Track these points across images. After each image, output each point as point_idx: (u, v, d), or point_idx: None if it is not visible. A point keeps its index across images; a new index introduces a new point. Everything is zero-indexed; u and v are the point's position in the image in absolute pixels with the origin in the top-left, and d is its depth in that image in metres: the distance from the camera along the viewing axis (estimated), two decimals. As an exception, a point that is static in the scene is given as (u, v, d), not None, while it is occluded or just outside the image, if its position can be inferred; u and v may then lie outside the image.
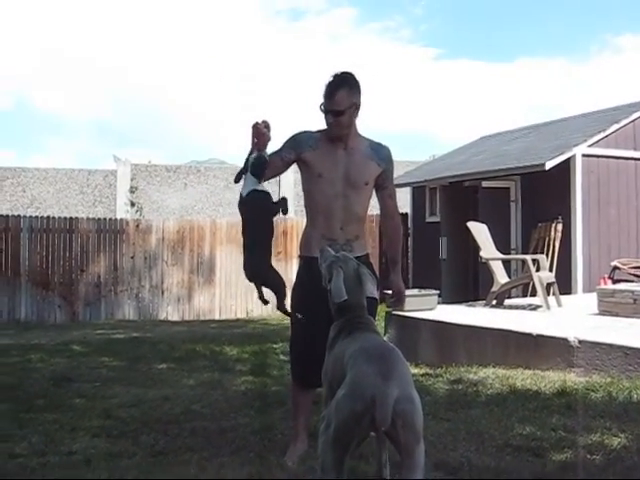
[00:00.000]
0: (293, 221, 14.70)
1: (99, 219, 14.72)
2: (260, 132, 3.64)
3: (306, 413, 3.94)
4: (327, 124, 3.69)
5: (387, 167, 3.83)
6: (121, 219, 15.14)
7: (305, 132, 3.81)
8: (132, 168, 18.96)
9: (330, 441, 2.60)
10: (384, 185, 3.86)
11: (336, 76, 3.66)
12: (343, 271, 3.14)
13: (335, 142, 3.73)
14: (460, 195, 13.42)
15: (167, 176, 19.06)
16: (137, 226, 14.53)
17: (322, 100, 3.66)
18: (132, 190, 18.79)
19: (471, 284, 13.06)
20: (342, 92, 3.61)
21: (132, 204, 18.66)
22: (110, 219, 14.92)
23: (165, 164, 19.48)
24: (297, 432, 3.91)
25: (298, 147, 3.74)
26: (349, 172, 3.71)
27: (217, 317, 14.41)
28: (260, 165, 3.68)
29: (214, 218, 16.08)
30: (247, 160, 3.73)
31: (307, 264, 3.83)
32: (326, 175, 3.70)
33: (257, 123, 3.65)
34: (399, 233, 3.97)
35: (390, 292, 3.95)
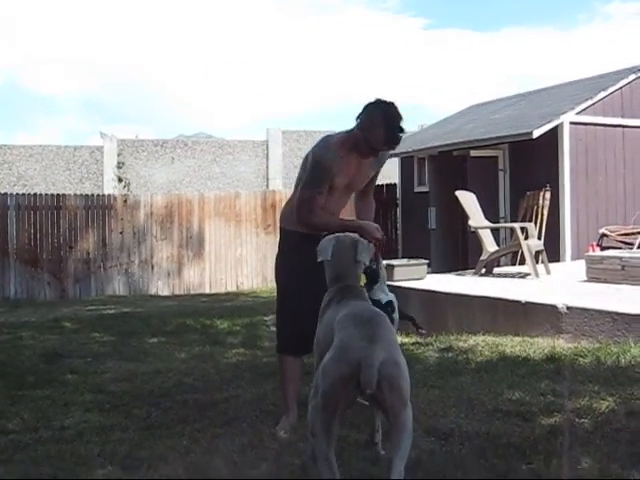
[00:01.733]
0: (282, 194, 14.65)
1: (86, 195, 14.64)
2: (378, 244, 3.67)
3: (295, 383, 3.98)
4: (367, 152, 3.69)
5: (380, 168, 3.99)
6: (109, 195, 15.05)
7: (329, 152, 3.72)
8: (119, 143, 18.82)
9: (319, 406, 2.63)
10: (374, 176, 4.03)
11: (396, 119, 3.60)
12: (337, 239, 3.19)
13: (352, 151, 3.73)
14: (449, 165, 13.40)
15: (154, 151, 18.94)
16: (125, 201, 14.45)
17: (371, 130, 3.59)
18: (119, 166, 18.66)
19: (460, 253, 13.09)
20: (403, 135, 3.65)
21: (119, 180, 18.55)
22: (98, 195, 14.84)
23: (152, 139, 19.36)
24: (287, 403, 3.95)
25: (331, 178, 3.72)
26: (353, 184, 3.86)
27: (207, 291, 14.41)
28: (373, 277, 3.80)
29: (202, 192, 16.03)
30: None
31: (289, 237, 3.94)
32: (335, 188, 3.78)
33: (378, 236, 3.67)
34: (372, 209, 4.13)
35: None
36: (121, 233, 14.28)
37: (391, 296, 3.94)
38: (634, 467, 2.98)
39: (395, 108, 3.63)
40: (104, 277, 14.15)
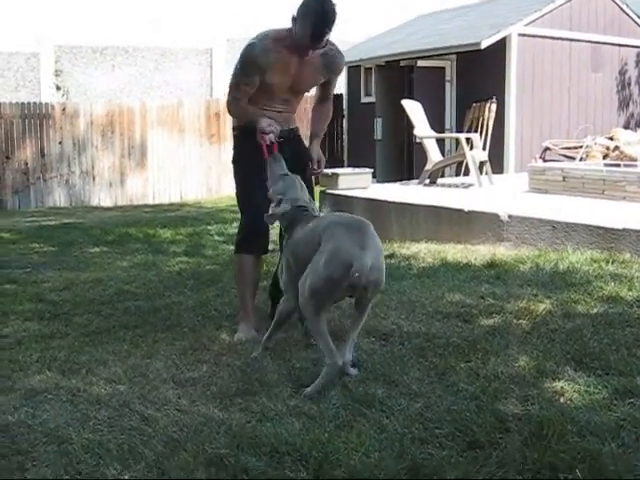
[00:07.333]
0: (225, 103, 14.30)
1: (23, 103, 14.04)
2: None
3: (253, 286, 3.92)
4: (299, 51, 3.57)
5: (335, 76, 3.90)
6: (46, 103, 14.46)
7: (258, 47, 3.61)
8: (56, 50, 18.02)
9: (307, 296, 2.88)
10: (329, 82, 3.92)
11: (324, 14, 3.42)
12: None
13: (291, 51, 3.60)
14: (396, 75, 13.25)
15: (93, 57, 18.22)
16: (63, 110, 13.93)
17: (300, 22, 3.46)
18: (57, 73, 17.92)
19: (406, 164, 13.11)
20: (328, 33, 3.48)
21: (57, 88, 17.85)
22: (35, 103, 14.23)
23: (91, 45, 18.57)
24: (245, 308, 3.88)
25: (259, 70, 3.63)
26: (296, 84, 3.76)
27: (150, 202, 14.18)
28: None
29: (144, 101, 15.56)
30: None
31: (245, 132, 3.84)
32: (276, 87, 3.71)
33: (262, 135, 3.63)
34: (329, 115, 4.09)
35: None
36: (60, 143, 13.82)
37: None
38: (568, 364, 3.06)
39: (328, 3, 3.43)
40: (44, 188, 13.77)
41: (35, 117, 13.71)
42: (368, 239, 2.89)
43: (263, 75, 3.64)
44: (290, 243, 3.28)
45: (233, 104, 3.83)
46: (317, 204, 7.82)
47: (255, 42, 3.63)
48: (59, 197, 13.87)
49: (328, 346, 2.88)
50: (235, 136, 4.00)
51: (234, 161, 3.98)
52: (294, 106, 3.95)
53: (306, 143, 3.99)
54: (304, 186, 3.47)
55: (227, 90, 3.86)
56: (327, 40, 3.54)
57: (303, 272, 2.96)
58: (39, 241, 8.02)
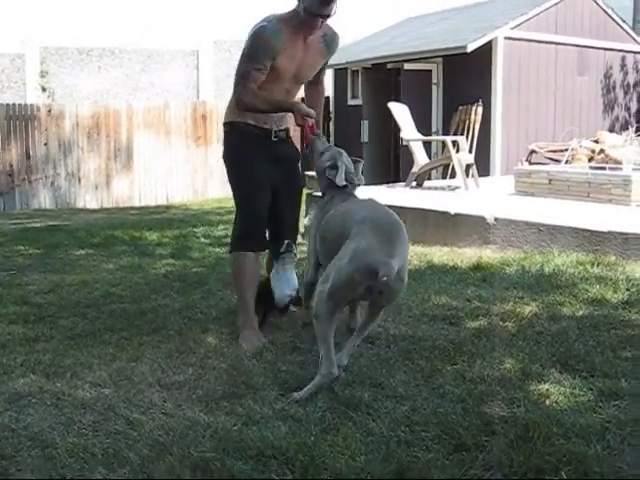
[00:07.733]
0: (213, 105, 14.30)
1: (7, 105, 13.96)
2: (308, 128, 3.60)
3: (254, 285, 3.78)
4: (309, 24, 3.53)
5: (332, 55, 3.90)
6: (31, 104, 14.39)
7: (269, 28, 3.56)
8: (41, 51, 17.93)
9: (324, 296, 2.83)
10: (323, 64, 3.93)
11: None
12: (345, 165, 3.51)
13: (297, 33, 3.59)
14: (382, 78, 13.27)
15: (79, 59, 18.15)
16: (49, 111, 13.86)
17: None
18: (43, 75, 17.84)
19: (392, 167, 13.13)
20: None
21: (43, 89, 17.77)
22: (20, 105, 14.16)
23: (77, 47, 18.49)
24: (248, 311, 3.73)
25: (273, 52, 3.56)
26: (300, 71, 3.72)
27: (137, 204, 14.12)
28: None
29: (130, 102, 15.50)
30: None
31: (237, 129, 3.79)
32: (281, 74, 3.65)
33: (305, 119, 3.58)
34: (323, 95, 4.13)
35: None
36: (46, 145, 13.75)
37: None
38: (553, 366, 3.08)
39: None
40: (29, 190, 13.69)
41: (20, 118, 13.63)
42: (396, 243, 2.85)
43: (274, 59, 3.56)
44: (325, 220, 3.26)
45: (248, 94, 3.60)
46: (303, 207, 7.85)
47: (265, 24, 3.57)
48: (44, 199, 13.79)
49: (329, 355, 2.82)
50: (226, 132, 3.88)
51: (225, 158, 3.89)
52: (292, 98, 3.89)
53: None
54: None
55: (235, 82, 3.68)
56: (334, 11, 3.51)
57: (326, 255, 3.05)
58: (24, 243, 7.95)
